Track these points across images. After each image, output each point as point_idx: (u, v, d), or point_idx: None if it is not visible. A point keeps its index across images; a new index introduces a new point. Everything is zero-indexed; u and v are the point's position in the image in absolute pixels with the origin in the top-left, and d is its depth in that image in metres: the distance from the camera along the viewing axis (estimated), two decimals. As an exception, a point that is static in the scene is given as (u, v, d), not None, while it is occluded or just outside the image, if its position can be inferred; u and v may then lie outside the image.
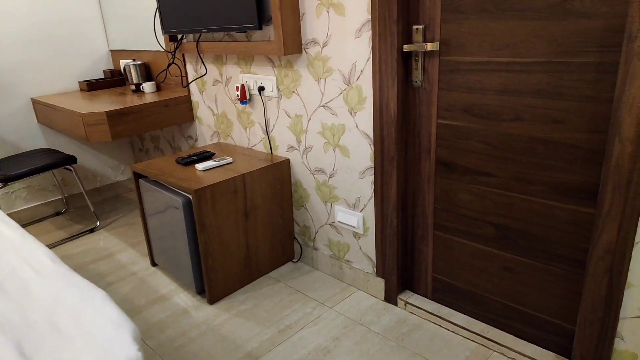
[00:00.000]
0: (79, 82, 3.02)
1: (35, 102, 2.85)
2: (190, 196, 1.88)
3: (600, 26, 1.19)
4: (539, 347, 1.57)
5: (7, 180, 2.39)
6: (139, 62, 2.76)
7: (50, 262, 1.18)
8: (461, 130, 1.55)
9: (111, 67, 3.18)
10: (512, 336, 1.63)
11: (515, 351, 1.57)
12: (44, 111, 2.77)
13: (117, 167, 3.32)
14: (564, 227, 1.40)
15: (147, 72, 2.81)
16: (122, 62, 3.00)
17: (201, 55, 2.34)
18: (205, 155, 2.18)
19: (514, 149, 1.44)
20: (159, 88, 2.77)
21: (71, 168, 2.69)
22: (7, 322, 0.92)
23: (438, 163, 1.65)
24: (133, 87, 2.77)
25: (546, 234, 1.45)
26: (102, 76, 3.13)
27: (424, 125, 1.65)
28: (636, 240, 1.21)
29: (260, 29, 1.85)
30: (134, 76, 2.76)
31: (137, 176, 2.18)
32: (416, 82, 1.61)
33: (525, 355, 1.55)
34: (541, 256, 1.48)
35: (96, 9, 3.03)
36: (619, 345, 1.32)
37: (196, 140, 2.69)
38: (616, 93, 1.14)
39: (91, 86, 2.95)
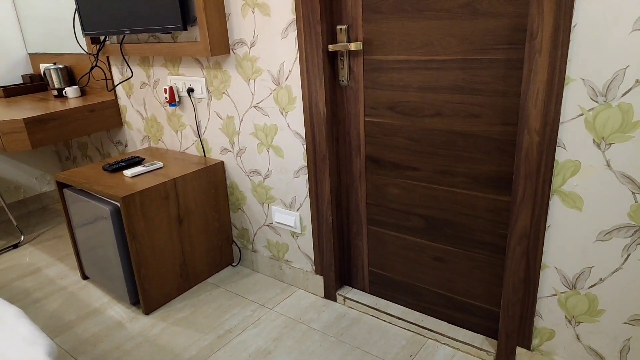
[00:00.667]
0: (-6, 88, 2.82)
1: (-57, 111, 2.63)
2: (118, 204, 1.81)
3: (506, 25, 1.26)
4: (470, 331, 1.65)
5: None
6: (60, 66, 2.62)
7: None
8: (387, 127, 1.60)
9: (30, 71, 3.00)
10: (445, 323, 1.70)
11: (448, 337, 1.64)
12: (-46, 120, 2.56)
13: (42, 177, 3.13)
14: (485, 215, 1.48)
15: (69, 76, 2.67)
16: (42, 66, 2.83)
17: (125, 57, 2.26)
18: (135, 161, 2.11)
19: (436, 143, 1.50)
20: (83, 92, 2.64)
21: (-12, 180, 2.51)
22: None
23: (368, 159, 1.69)
24: (55, 92, 2.62)
25: (469, 222, 1.52)
26: (21, 81, 2.94)
27: (353, 123, 1.68)
28: (548, 223, 1.30)
29: (185, 29, 1.81)
30: (55, 81, 2.61)
31: (61, 186, 2.07)
32: (343, 81, 1.64)
33: (457, 340, 1.62)
34: (466, 244, 1.55)
35: (10, 10, 2.85)
36: (538, 322, 1.41)
37: (126, 145, 2.59)
38: (522, 87, 1.22)
39: (8, 92, 2.76)
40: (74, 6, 2.44)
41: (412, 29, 1.43)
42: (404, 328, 1.74)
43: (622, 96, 1.09)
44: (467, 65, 1.36)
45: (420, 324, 1.71)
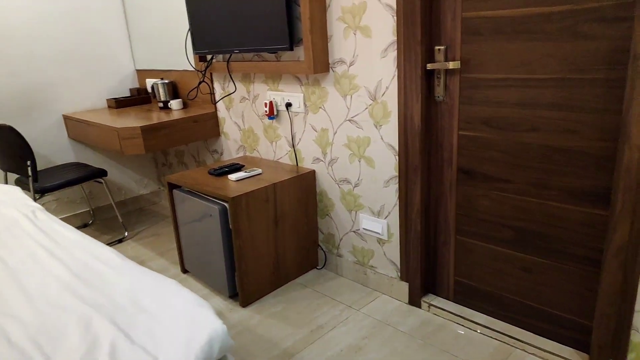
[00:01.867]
0: (106, 99, 3.18)
1: (66, 118, 3.00)
2: (225, 204, 2.01)
3: (606, 47, 1.33)
4: (558, 343, 1.68)
5: (44, 192, 2.52)
6: (166, 81, 2.92)
7: (117, 257, 1.31)
8: (481, 140, 1.69)
9: (137, 85, 3.34)
10: (531, 333, 1.74)
11: (536, 347, 1.68)
12: (75, 127, 2.92)
13: (140, 181, 3.45)
14: (578, 228, 1.53)
15: (174, 90, 2.96)
16: (149, 81, 3.16)
17: (231, 74, 2.50)
18: (236, 167, 2.32)
19: (530, 157, 1.58)
20: (185, 105, 2.92)
21: (102, 181, 2.82)
22: (98, 305, 1.04)
23: (459, 171, 1.79)
24: (161, 104, 2.92)
25: (562, 235, 1.57)
26: (129, 94, 3.29)
27: (446, 137, 1.79)
28: (647, 237, 1.33)
29: (292, 49, 2.00)
30: (162, 94, 2.91)
31: (171, 187, 2.32)
32: (438, 97, 1.75)
33: (545, 351, 1.66)
34: (557, 256, 1.60)
35: (124, 32, 3.21)
36: (635, 336, 1.43)
37: (221, 154, 2.83)
38: (625, 106, 1.28)
39: (119, 103, 3.10)
40: (181, 28, 2.73)
41: (510, 49, 1.53)
42: (490, 337, 1.80)
43: None
44: (566, 84, 1.44)
45: (507, 333, 1.76)
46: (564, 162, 1.50)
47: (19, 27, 2.77)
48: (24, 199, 1.94)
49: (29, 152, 2.44)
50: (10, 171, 2.62)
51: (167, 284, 1.11)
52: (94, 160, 3.20)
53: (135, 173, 3.42)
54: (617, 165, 1.34)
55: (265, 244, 2.13)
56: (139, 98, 3.20)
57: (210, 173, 2.28)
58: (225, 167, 2.31)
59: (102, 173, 2.79)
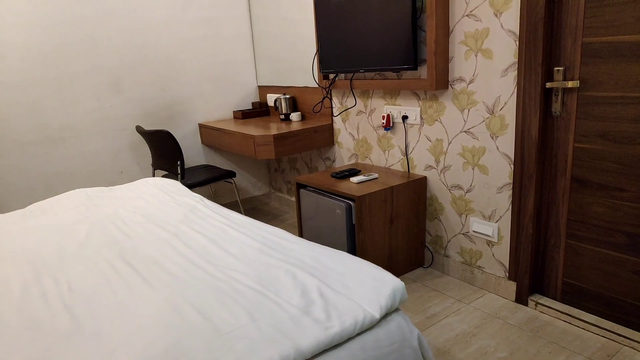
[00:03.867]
0: (233, 111, 3.64)
1: (201, 127, 3.49)
2: (351, 202, 2.31)
3: None
4: (669, 344, 1.79)
5: (191, 187, 2.98)
6: (287, 96, 3.32)
7: (288, 233, 1.64)
8: (596, 152, 1.86)
9: (258, 99, 3.79)
10: (639, 333, 1.86)
11: (646, 345, 1.80)
12: (209, 134, 3.39)
13: (255, 184, 3.88)
14: (694, 235, 1.65)
15: (294, 104, 3.35)
16: (270, 96, 3.58)
17: (353, 90, 2.83)
18: (354, 172, 2.63)
19: (647, 168, 1.73)
20: (303, 117, 3.30)
21: (232, 181, 3.25)
22: (293, 264, 1.36)
23: (573, 180, 1.96)
24: (282, 116, 3.32)
25: (677, 241, 1.70)
26: (251, 107, 3.73)
27: (561, 149, 1.97)
28: None
29: (416, 69, 2.29)
30: (284, 107, 3.31)
31: (299, 186, 2.67)
32: (555, 112, 1.95)
33: (656, 349, 1.78)
34: (672, 261, 1.73)
35: (250, 53, 3.67)
36: None
37: (334, 161, 3.16)
38: None
39: (244, 115, 3.55)
40: (302, 50, 3.12)
41: (628, 70, 1.70)
42: (598, 334, 1.93)
43: None
44: (686, 102, 1.59)
45: (616, 332, 1.89)
46: (681, 173, 1.65)
47: (169, 50, 3.30)
48: (186, 191, 2.36)
49: (179, 154, 2.91)
50: (160, 169, 3.12)
51: (341, 253, 1.41)
52: (220, 163, 3.66)
53: (252, 176, 3.85)
54: None
55: (381, 240, 2.40)
56: (261, 110, 3.63)
57: (332, 176, 2.60)
58: (345, 172, 2.62)
59: (232, 174, 3.22)
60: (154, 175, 3.29)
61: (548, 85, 1.91)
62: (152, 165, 3.20)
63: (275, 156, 2.82)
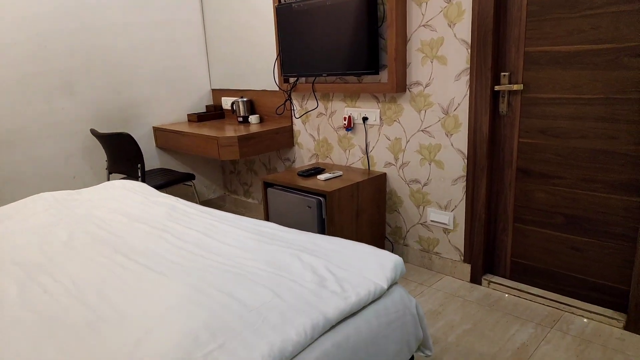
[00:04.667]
0: (187, 114, 3.65)
1: (156, 130, 3.47)
2: (321, 198, 2.46)
3: (639, 74, 1.81)
4: (601, 307, 2.11)
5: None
6: (245, 99, 3.40)
7: (275, 224, 1.75)
8: (537, 146, 2.15)
9: (212, 103, 3.82)
10: (579, 301, 2.17)
11: (583, 309, 2.11)
12: (164, 137, 3.38)
13: (209, 187, 3.90)
14: (618, 213, 1.98)
15: (252, 107, 3.44)
16: (226, 99, 3.63)
17: (315, 93, 2.98)
18: (319, 170, 2.77)
19: (579, 158, 2.04)
20: (261, 120, 3.39)
21: (191, 184, 3.27)
22: (295, 248, 1.47)
23: (518, 171, 2.25)
24: (240, 119, 3.39)
25: (605, 218, 2.02)
26: (205, 110, 3.76)
27: (508, 143, 2.25)
28: (674, 216, 1.78)
29: (377, 74, 2.48)
30: (242, 110, 3.39)
31: (266, 185, 2.76)
32: (502, 112, 2.23)
33: (590, 312, 2.09)
34: (601, 236, 2.05)
35: (203, 56, 3.70)
36: (664, 294, 1.87)
37: (293, 161, 3.29)
38: (656, 117, 1.75)
39: (200, 118, 3.57)
40: (258, 54, 3.22)
41: (564, 75, 2.01)
42: (544, 304, 2.22)
43: None
44: (609, 102, 1.91)
45: (558, 301, 2.19)
46: (607, 161, 1.97)
47: (122, 53, 3.25)
48: (156, 192, 2.38)
49: (140, 157, 2.89)
50: (117, 172, 3.06)
51: (334, 238, 1.55)
52: (174, 166, 3.65)
53: (206, 179, 3.86)
54: (649, 162, 1.80)
55: (349, 233, 2.57)
56: (216, 113, 3.67)
57: (299, 174, 2.73)
58: (311, 170, 2.76)
59: (191, 177, 3.24)
60: (108, 180, 3.22)
61: (496, 88, 2.18)
62: (107, 169, 3.13)
63: (240, 157, 2.89)
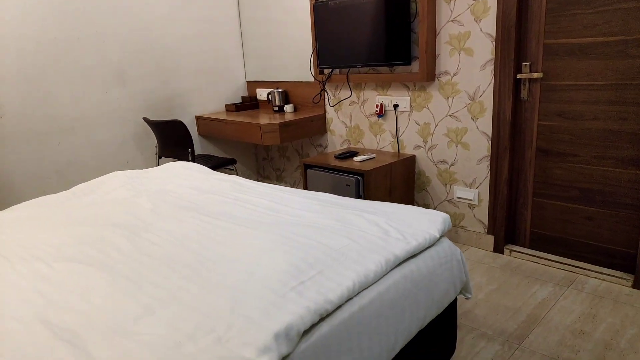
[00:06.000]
0: (225, 104, 3.94)
1: (199, 118, 3.76)
2: (359, 177, 2.74)
3: (649, 62, 2.08)
4: (611, 269, 2.39)
5: (199, 173, 3.25)
6: (280, 90, 3.69)
7: (331, 196, 2.04)
8: (555, 128, 2.43)
9: (247, 94, 4.11)
10: (592, 265, 2.45)
11: (595, 272, 2.39)
12: (207, 125, 3.68)
13: (244, 172, 4.19)
14: (627, 185, 2.26)
15: (286, 97, 3.73)
16: (260, 90, 3.93)
17: (350, 84, 3.26)
18: (353, 153, 3.06)
19: (592, 138, 2.31)
20: (296, 109, 3.68)
21: (233, 167, 3.56)
22: (352, 210, 1.76)
23: (537, 150, 2.52)
24: (276, 108, 3.68)
25: (615, 191, 2.30)
26: (241, 101, 4.05)
27: (528, 126, 2.53)
28: (676, 185, 2.06)
29: (410, 64, 2.77)
30: (277, 100, 3.68)
31: (306, 167, 3.05)
32: (523, 97, 2.50)
33: (602, 273, 2.37)
34: (611, 206, 2.32)
35: (239, 50, 3.99)
36: (667, 255, 2.15)
37: (325, 147, 3.58)
38: (661, 99, 2.02)
39: (238, 107, 3.86)
40: (292, 47, 3.51)
41: (579, 64, 2.28)
42: (560, 269, 2.51)
43: None
44: (619, 88, 2.18)
45: (573, 265, 2.47)
46: (617, 140, 2.24)
47: (168, 45, 3.55)
48: (213, 171, 2.67)
49: (190, 142, 3.19)
50: (168, 157, 3.36)
51: (386, 203, 1.83)
52: (214, 152, 3.95)
53: (241, 165, 4.16)
54: (655, 139, 2.07)
55: (384, 208, 2.85)
56: (251, 104, 3.96)
57: (336, 157, 3.02)
58: (346, 153, 3.05)
59: (233, 161, 3.54)
60: (157, 164, 3.52)
61: (518, 76, 2.46)
62: (157, 154, 3.43)
63: (281, 142, 3.19)
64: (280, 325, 1.10)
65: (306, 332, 1.16)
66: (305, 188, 3.08)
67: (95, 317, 1.21)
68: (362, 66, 2.99)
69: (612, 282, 2.34)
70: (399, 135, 3.08)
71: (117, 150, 3.41)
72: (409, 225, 1.62)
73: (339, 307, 1.24)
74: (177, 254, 1.54)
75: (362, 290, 1.31)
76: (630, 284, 2.29)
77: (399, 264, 1.44)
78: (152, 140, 3.52)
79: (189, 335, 1.09)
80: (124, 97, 3.38)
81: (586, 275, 2.43)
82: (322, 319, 1.20)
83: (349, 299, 1.27)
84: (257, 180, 4.29)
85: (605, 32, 2.18)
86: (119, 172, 2.61)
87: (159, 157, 3.48)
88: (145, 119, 3.31)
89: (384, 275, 1.38)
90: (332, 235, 1.53)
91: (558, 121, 2.42)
